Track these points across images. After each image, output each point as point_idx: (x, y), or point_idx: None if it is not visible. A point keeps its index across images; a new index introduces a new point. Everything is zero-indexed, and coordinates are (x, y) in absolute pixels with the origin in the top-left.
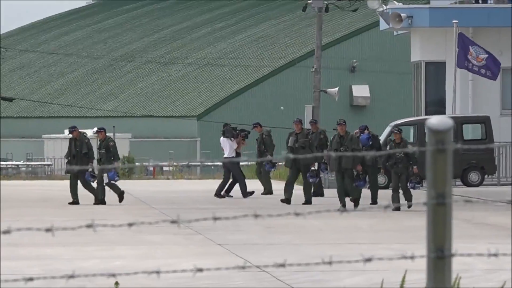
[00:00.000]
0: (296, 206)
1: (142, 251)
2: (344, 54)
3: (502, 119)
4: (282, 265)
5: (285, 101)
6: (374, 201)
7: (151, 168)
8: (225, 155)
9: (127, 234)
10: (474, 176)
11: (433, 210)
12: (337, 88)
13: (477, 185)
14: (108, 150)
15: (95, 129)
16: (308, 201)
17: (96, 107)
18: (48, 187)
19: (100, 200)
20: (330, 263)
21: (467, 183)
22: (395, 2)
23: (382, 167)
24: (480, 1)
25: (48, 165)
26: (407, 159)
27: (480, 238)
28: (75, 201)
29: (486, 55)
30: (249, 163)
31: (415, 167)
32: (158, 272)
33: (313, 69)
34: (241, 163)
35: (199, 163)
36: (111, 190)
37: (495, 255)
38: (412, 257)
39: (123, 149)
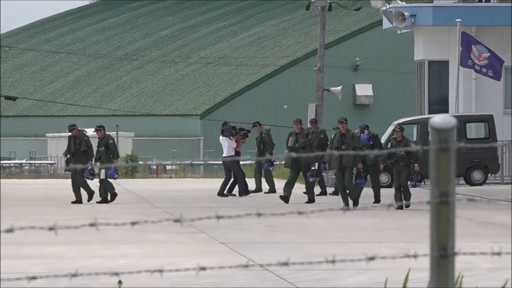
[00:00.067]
0: (299, 205)
1: (145, 250)
2: (347, 53)
3: (506, 118)
4: (285, 264)
5: (288, 100)
6: (377, 200)
7: (154, 167)
8: (224, 154)
9: (130, 233)
10: (477, 175)
11: (436, 208)
12: (340, 87)
13: (480, 184)
14: (108, 148)
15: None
16: (311, 200)
17: (99, 106)
18: (51, 186)
19: (103, 198)
20: (333, 262)
21: (470, 182)
22: (398, 1)
23: (382, 162)
24: (484, 0)
25: (51, 164)
26: (408, 157)
27: (483, 237)
28: (78, 200)
29: (488, 54)
30: (252, 161)
31: (416, 165)
32: (161, 271)
33: (316, 68)
34: (244, 162)
35: (202, 162)
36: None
37: (498, 254)
38: (415, 256)
39: (126, 148)
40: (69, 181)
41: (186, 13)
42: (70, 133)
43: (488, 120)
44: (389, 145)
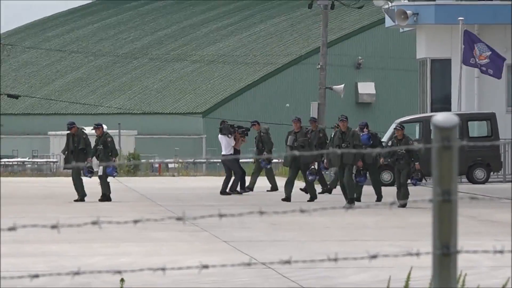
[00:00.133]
0: (301, 203)
1: (147, 248)
2: (349, 51)
3: (508, 116)
4: (288, 262)
5: (291, 98)
6: (378, 198)
7: (157, 165)
8: (223, 152)
9: (133, 231)
10: (479, 173)
11: (438, 207)
12: (342, 85)
13: (483, 182)
14: (106, 146)
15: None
16: (313, 198)
17: (101, 104)
18: (53, 184)
19: (107, 196)
20: (335, 260)
21: (472, 180)
22: None
23: (382, 157)
24: None
25: (54, 162)
26: (408, 155)
27: (486, 235)
28: (81, 198)
29: (490, 52)
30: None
31: (417, 163)
32: (163, 269)
33: (319, 66)
34: (246, 160)
35: (204, 160)
36: (100, 185)
37: (501, 252)
38: (417, 254)
39: (128, 146)
40: (71, 179)
41: (188, 11)
42: (69, 131)
43: (490, 118)
44: (389, 143)
